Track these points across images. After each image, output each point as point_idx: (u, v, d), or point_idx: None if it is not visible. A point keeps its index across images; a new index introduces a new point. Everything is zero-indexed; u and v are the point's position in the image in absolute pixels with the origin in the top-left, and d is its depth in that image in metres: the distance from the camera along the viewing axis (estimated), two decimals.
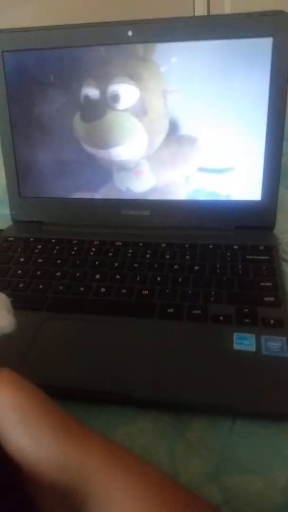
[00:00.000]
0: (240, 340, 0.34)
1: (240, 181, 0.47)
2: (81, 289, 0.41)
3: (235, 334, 0.35)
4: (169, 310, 0.38)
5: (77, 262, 0.45)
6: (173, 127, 0.46)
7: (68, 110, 0.47)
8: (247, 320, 0.36)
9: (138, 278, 0.42)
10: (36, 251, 0.47)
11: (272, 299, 0.38)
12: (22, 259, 0.46)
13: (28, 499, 0.20)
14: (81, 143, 0.48)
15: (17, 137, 0.49)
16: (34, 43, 0.46)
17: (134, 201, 0.49)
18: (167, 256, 0.45)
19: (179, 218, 0.49)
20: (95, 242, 0.48)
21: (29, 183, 0.51)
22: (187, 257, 0.44)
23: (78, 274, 0.43)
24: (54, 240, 0.48)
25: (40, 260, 0.46)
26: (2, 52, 0.46)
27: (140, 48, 0.44)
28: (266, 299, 0.38)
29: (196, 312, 0.37)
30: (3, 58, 0.46)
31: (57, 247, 0.47)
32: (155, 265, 0.44)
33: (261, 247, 0.45)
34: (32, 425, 0.21)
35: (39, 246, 0.48)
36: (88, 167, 0.49)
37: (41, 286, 0.42)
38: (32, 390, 0.22)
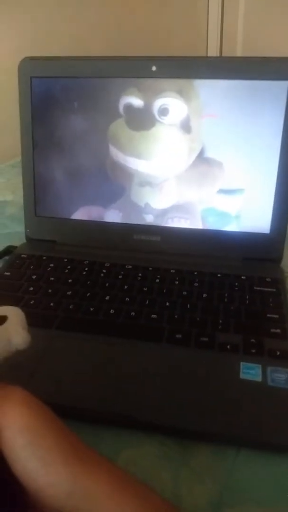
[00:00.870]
0: (246, 370, 0.35)
1: (250, 214, 0.48)
2: (91, 309, 0.42)
3: (241, 363, 0.35)
4: (177, 336, 0.38)
5: (88, 282, 0.46)
6: (202, 150, 0.48)
7: (91, 135, 0.49)
8: (253, 350, 0.37)
9: (147, 302, 0.43)
10: (48, 269, 0.48)
11: (278, 331, 0.39)
12: (34, 276, 0.47)
13: None
14: (116, 152, 0.49)
15: (38, 158, 0.51)
16: (60, 71, 0.49)
17: (145, 226, 0.50)
18: (176, 282, 0.46)
19: (188, 245, 0.50)
20: (106, 264, 0.49)
21: (45, 203, 0.52)
22: (196, 284, 0.45)
23: (88, 294, 0.44)
24: (66, 260, 0.50)
25: (51, 279, 0.46)
26: (30, 77, 0.49)
27: (163, 81, 0.46)
28: (272, 330, 0.39)
29: (204, 339, 0.38)
30: (31, 83, 0.49)
31: (68, 267, 0.48)
32: (164, 290, 0.44)
33: (268, 279, 0.46)
34: (41, 448, 0.20)
35: (51, 265, 0.49)
36: (105, 183, 0.50)
37: (51, 304, 0.43)
38: (42, 411, 0.22)
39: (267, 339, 0.38)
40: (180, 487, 0.29)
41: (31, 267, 0.49)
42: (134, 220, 0.51)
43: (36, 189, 0.52)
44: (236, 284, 0.45)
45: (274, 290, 0.44)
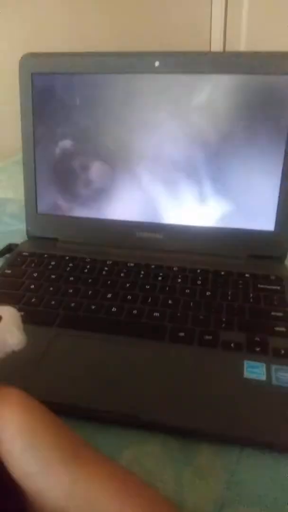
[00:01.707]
0: (250, 368, 0.34)
1: (254, 211, 0.48)
2: (93, 307, 0.41)
3: (245, 361, 0.35)
4: (180, 334, 0.38)
5: (90, 280, 0.45)
6: (206, 145, 0.47)
7: (93, 131, 0.49)
8: (257, 349, 0.36)
9: (149, 300, 0.42)
10: (49, 267, 0.48)
11: (283, 329, 0.38)
12: (35, 274, 0.46)
13: None
14: (118, 149, 0.48)
15: (39, 155, 0.50)
16: (62, 67, 0.48)
17: (148, 224, 0.50)
18: (179, 280, 0.45)
19: (191, 243, 0.49)
20: (108, 262, 0.48)
21: (46, 200, 0.52)
22: (199, 282, 0.45)
23: (90, 292, 0.44)
24: (67, 258, 0.49)
25: (53, 276, 0.46)
26: (32, 74, 0.48)
27: (166, 77, 0.46)
28: (277, 329, 0.38)
29: (207, 337, 0.37)
30: (32, 80, 0.48)
31: (70, 264, 0.48)
32: (167, 288, 0.44)
33: (272, 277, 0.45)
34: (41, 450, 0.20)
35: (53, 263, 0.48)
36: (107, 180, 0.50)
37: (53, 302, 0.42)
38: (41, 412, 0.21)
39: (271, 337, 0.37)
40: (182, 486, 0.28)
41: (33, 265, 0.48)
42: (136, 217, 0.50)
43: (38, 187, 0.51)
44: (240, 281, 0.45)
45: (279, 287, 0.44)
